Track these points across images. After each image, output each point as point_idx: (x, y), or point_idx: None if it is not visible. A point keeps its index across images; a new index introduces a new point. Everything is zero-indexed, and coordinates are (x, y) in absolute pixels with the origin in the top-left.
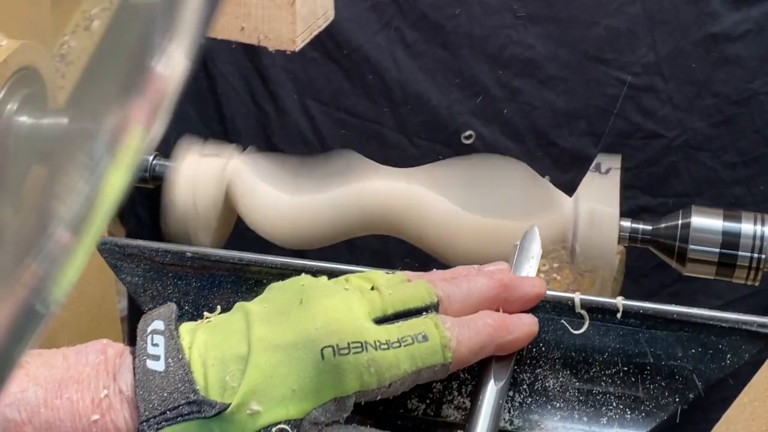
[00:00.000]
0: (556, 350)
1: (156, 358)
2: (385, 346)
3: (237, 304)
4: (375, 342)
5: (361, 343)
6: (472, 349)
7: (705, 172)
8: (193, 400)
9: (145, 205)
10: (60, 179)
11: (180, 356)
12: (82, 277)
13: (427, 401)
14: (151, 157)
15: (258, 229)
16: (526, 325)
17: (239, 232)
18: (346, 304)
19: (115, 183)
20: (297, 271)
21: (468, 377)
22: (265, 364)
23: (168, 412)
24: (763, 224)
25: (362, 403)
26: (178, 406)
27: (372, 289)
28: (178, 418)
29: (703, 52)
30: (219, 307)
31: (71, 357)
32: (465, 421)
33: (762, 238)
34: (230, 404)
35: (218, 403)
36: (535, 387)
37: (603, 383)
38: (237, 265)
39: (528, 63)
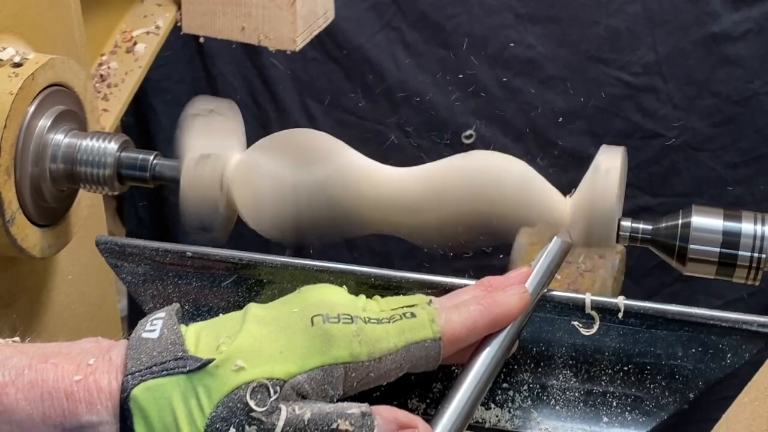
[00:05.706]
0: (556, 350)
1: (152, 331)
2: (375, 321)
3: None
4: (365, 317)
5: (351, 316)
6: (464, 325)
7: (705, 171)
8: (180, 356)
9: (145, 205)
10: None
11: (175, 328)
12: (82, 277)
13: (428, 401)
14: (152, 157)
15: (258, 228)
16: (516, 294)
17: (239, 232)
18: (342, 294)
19: None
20: (297, 270)
21: None
22: (257, 332)
23: (154, 366)
24: (763, 224)
25: (357, 394)
26: (165, 361)
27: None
28: (163, 372)
29: (703, 52)
30: None
31: (64, 343)
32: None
33: (762, 237)
34: (214, 359)
35: (203, 359)
36: (536, 387)
37: (603, 383)
38: (237, 265)
39: (528, 63)
